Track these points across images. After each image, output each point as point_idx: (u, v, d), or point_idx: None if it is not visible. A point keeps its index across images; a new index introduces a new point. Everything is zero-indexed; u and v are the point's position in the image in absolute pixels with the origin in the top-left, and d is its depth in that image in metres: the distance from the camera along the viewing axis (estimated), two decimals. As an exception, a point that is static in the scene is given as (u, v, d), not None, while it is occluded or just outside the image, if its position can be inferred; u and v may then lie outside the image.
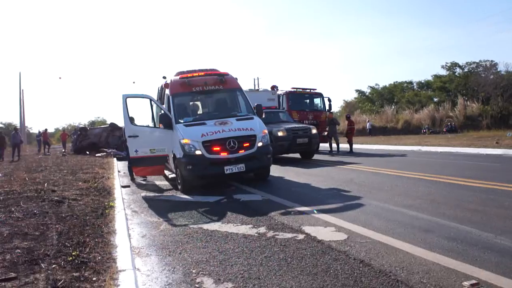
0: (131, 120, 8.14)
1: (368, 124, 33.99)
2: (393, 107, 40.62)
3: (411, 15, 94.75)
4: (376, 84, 47.65)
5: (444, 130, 30.33)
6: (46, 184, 7.63)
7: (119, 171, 11.85)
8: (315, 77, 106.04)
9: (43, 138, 26.87)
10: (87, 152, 20.59)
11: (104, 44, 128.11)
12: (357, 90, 49.33)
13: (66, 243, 3.95)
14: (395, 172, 8.65)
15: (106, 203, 6.04)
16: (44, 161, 14.70)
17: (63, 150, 25.60)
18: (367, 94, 48.13)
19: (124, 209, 5.86)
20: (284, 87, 17.86)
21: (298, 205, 5.76)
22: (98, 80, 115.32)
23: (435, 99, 38.70)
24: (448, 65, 39.61)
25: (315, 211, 5.28)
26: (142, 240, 4.47)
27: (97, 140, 22.11)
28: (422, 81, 44.24)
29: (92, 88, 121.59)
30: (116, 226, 4.73)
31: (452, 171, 8.44)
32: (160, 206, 6.46)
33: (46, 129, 28.20)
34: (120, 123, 22.26)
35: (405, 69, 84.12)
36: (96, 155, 18.74)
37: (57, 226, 4.58)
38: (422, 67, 79.48)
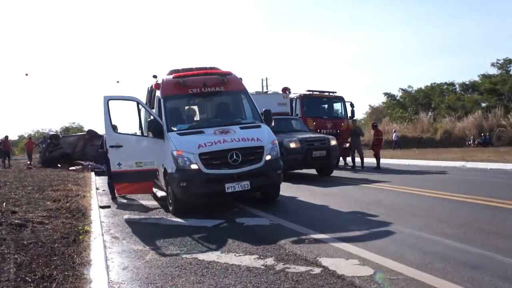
0: (114, 127, 8.21)
1: (394, 135, 33.61)
2: (429, 113, 40.52)
3: (450, 2, 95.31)
4: (409, 86, 47.75)
5: (477, 142, 30.17)
6: (4, 203, 7.64)
7: (97, 188, 11.89)
8: (334, 77, 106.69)
9: (4, 147, 26.99)
10: (59, 165, 20.68)
11: (82, 35, 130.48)
12: (385, 94, 49.51)
13: (27, 278, 3.89)
14: (433, 193, 8.59)
15: (80, 227, 6.04)
16: (3, 175, 14.80)
17: (28, 162, 25.68)
18: (398, 98, 48.15)
19: (102, 235, 5.87)
20: (297, 90, 17.97)
21: (313, 232, 5.74)
22: (74, 78, 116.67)
23: (483, 104, 38.44)
24: (500, 62, 39.32)
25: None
26: (123, 273, 4.45)
27: (71, 151, 22.22)
28: (467, 82, 44.13)
29: (66, 87, 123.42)
30: (91, 255, 4.72)
31: (506, 193, 8.34)
32: (146, 231, 6.46)
33: (6, 136, 28.27)
34: (101, 130, 22.42)
35: (445, 68, 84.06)
36: (70, 168, 18.81)
37: (16, 256, 4.51)
38: (466, 65, 79.38)
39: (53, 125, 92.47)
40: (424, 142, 33.25)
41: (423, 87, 46.31)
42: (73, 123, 67.84)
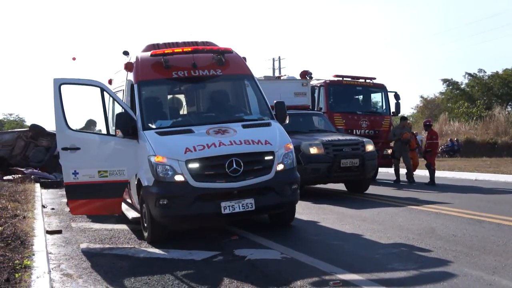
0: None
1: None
2: (509, 109, 40.10)
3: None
4: (480, 70, 47.32)
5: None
6: None
7: (44, 206, 11.93)
8: (371, 58, 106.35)
9: None
10: (-12, 173, 20.73)
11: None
12: (444, 81, 49.22)
13: None
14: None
15: (17, 262, 6.06)
16: None
17: None
18: (462, 86, 47.92)
19: (49, 272, 5.90)
20: (321, 75, 18.03)
21: (341, 270, 5.80)
22: (11, 54, 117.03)
23: None
24: None
25: None
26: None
27: (7, 153, 22.22)
28: None
29: (2, 66, 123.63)
30: (32, 301, 4.74)
31: None
32: (111, 266, 6.52)
33: None
34: (50, 125, 22.45)
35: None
36: (5, 178, 18.84)
37: None
38: None
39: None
40: (499, 148, 32.95)
41: (500, 71, 45.94)
42: (10, 115, 68.09)
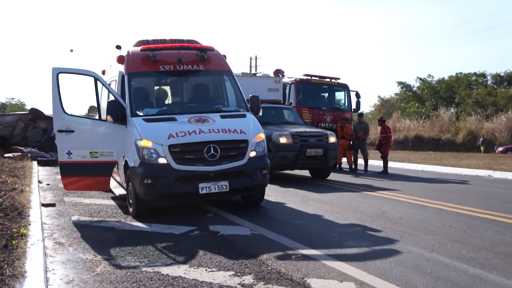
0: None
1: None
2: (452, 110, 40.89)
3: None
4: (429, 76, 48.29)
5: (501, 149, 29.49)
6: None
7: (40, 182, 11.79)
8: (339, 61, 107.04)
9: None
10: (-10, 151, 20.39)
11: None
12: (400, 83, 50.00)
13: None
14: (450, 206, 8.75)
15: (14, 230, 6.00)
16: None
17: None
18: (414, 89, 48.63)
19: (43, 240, 5.85)
20: (293, 73, 18.03)
21: (302, 246, 5.84)
22: (14, 44, 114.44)
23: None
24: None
25: None
26: (67, 288, 4.46)
27: (8, 133, 21.94)
28: (502, 73, 44.57)
29: (4, 55, 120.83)
30: (27, 265, 4.69)
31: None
32: (99, 237, 6.47)
33: None
34: (48, 109, 22.14)
35: (476, 55, 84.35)
36: (6, 155, 18.54)
37: None
38: (503, 53, 79.02)
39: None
40: (443, 144, 33.58)
41: (446, 78, 46.86)
42: (12, 99, 66.90)
